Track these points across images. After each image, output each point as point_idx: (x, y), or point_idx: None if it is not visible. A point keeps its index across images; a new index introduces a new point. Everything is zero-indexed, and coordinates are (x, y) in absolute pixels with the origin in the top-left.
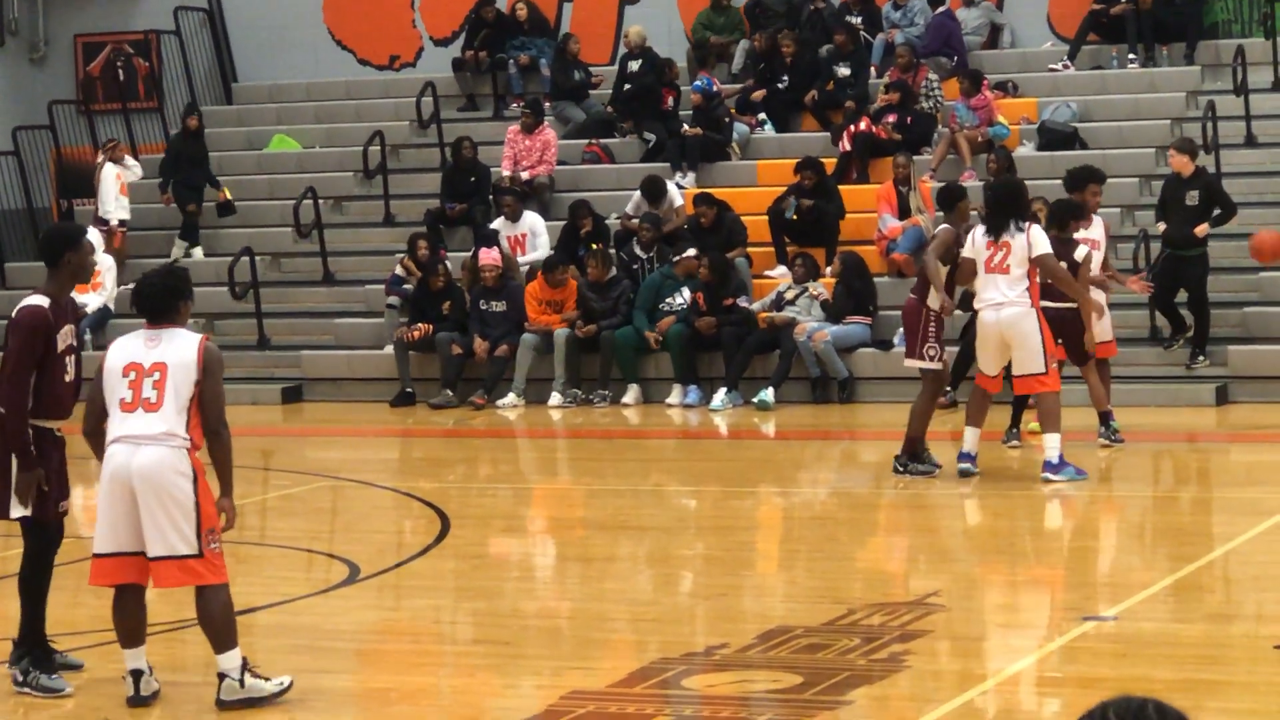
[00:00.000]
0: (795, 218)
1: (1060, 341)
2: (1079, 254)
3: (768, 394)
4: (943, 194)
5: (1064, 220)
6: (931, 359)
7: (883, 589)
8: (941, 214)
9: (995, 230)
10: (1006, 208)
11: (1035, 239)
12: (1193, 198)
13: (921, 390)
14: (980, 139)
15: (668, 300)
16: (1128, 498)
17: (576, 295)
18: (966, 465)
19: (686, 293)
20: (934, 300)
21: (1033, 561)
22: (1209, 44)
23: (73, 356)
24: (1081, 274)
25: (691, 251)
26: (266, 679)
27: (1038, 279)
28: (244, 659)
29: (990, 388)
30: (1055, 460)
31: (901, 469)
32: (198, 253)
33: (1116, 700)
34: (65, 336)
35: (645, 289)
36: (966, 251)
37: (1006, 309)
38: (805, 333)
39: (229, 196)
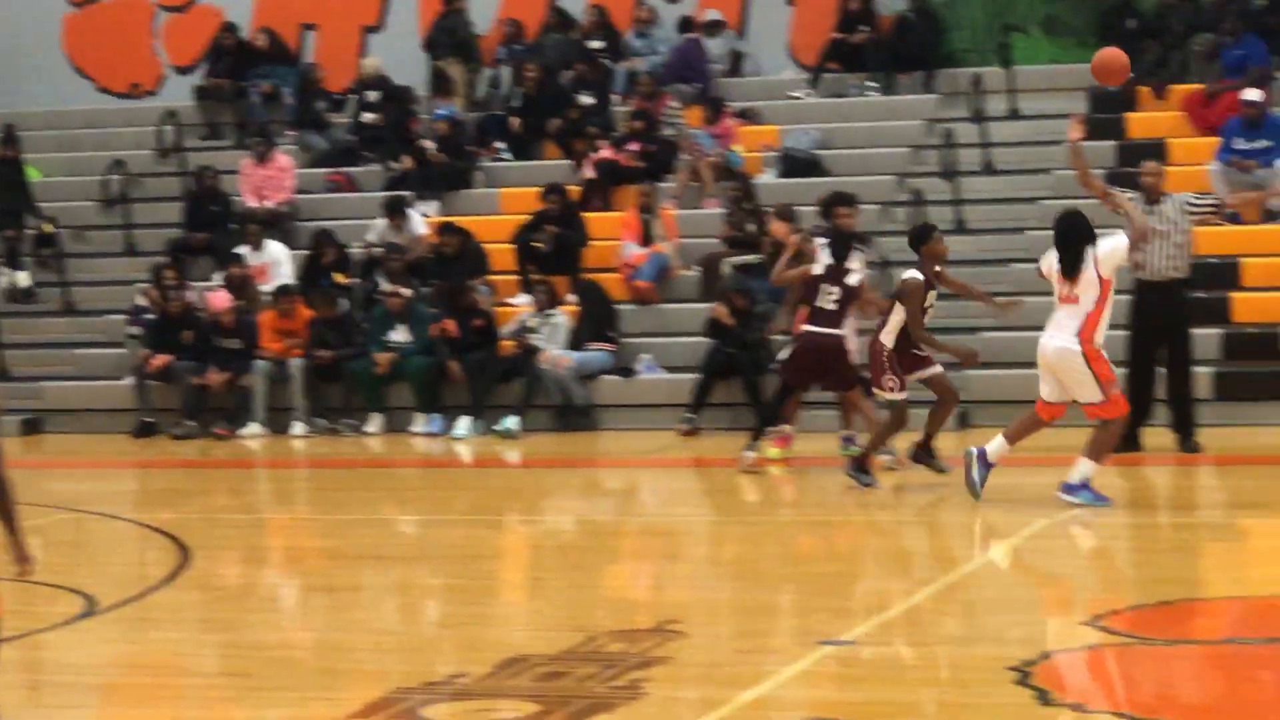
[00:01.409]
0: (544, 247)
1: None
2: (852, 280)
3: (512, 422)
4: (911, 235)
5: (845, 248)
6: (891, 390)
7: (624, 616)
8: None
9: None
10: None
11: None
12: None
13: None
14: (716, 161)
15: (385, 336)
16: (870, 523)
17: (309, 324)
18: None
19: (404, 330)
20: (888, 338)
21: (774, 587)
22: (947, 72)
23: None
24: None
25: (403, 290)
26: None
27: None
28: None
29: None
30: (1077, 482)
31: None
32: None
33: None
34: None
35: (374, 321)
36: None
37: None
38: (548, 360)
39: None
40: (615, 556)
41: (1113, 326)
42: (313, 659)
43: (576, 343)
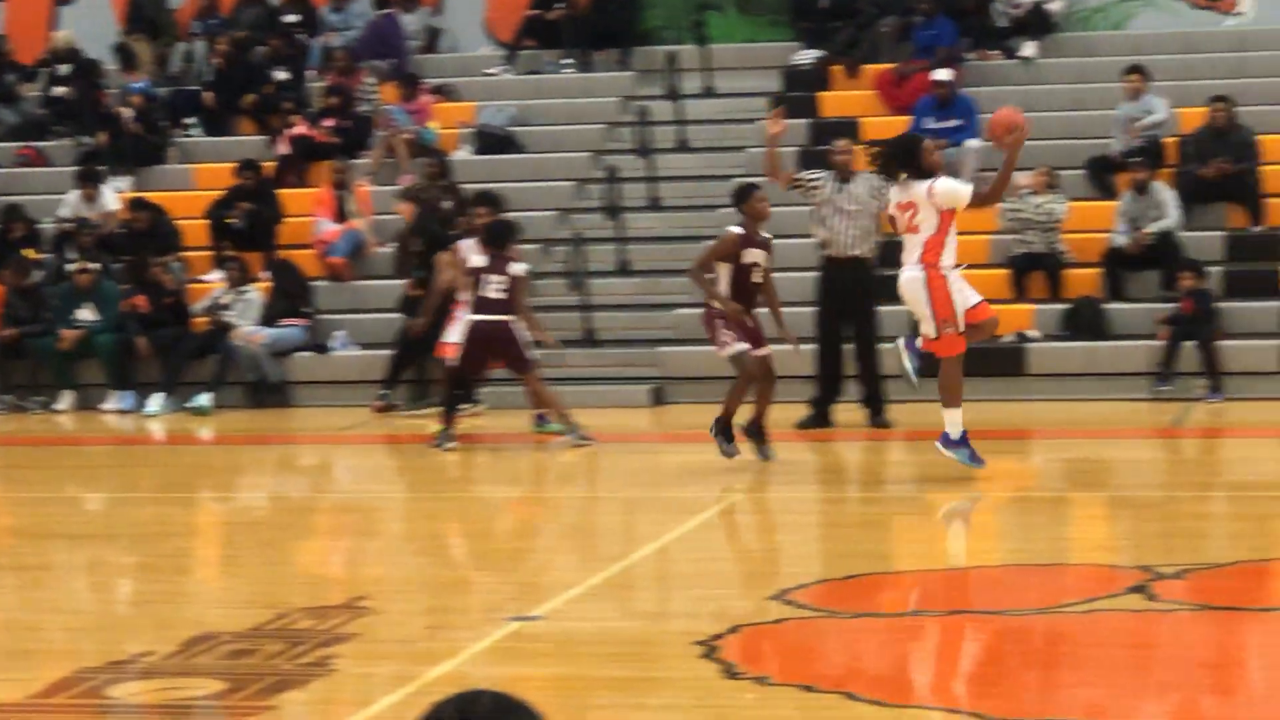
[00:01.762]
0: (237, 223)
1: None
2: (515, 270)
3: (205, 398)
4: (734, 194)
5: (504, 240)
6: (725, 345)
7: (315, 593)
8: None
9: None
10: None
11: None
12: None
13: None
14: (411, 137)
15: (73, 314)
16: (562, 499)
17: (4, 301)
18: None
19: (91, 307)
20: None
21: (463, 563)
22: (643, 50)
23: None
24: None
25: (90, 265)
26: None
27: None
28: None
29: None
30: (955, 437)
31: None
32: None
33: (455, 695)
34: None
35: (61, 298)
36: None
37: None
38: (241, 337)
39: None
40: (308, 533)
41: (801, 303)
42: None
43: (269, 319)
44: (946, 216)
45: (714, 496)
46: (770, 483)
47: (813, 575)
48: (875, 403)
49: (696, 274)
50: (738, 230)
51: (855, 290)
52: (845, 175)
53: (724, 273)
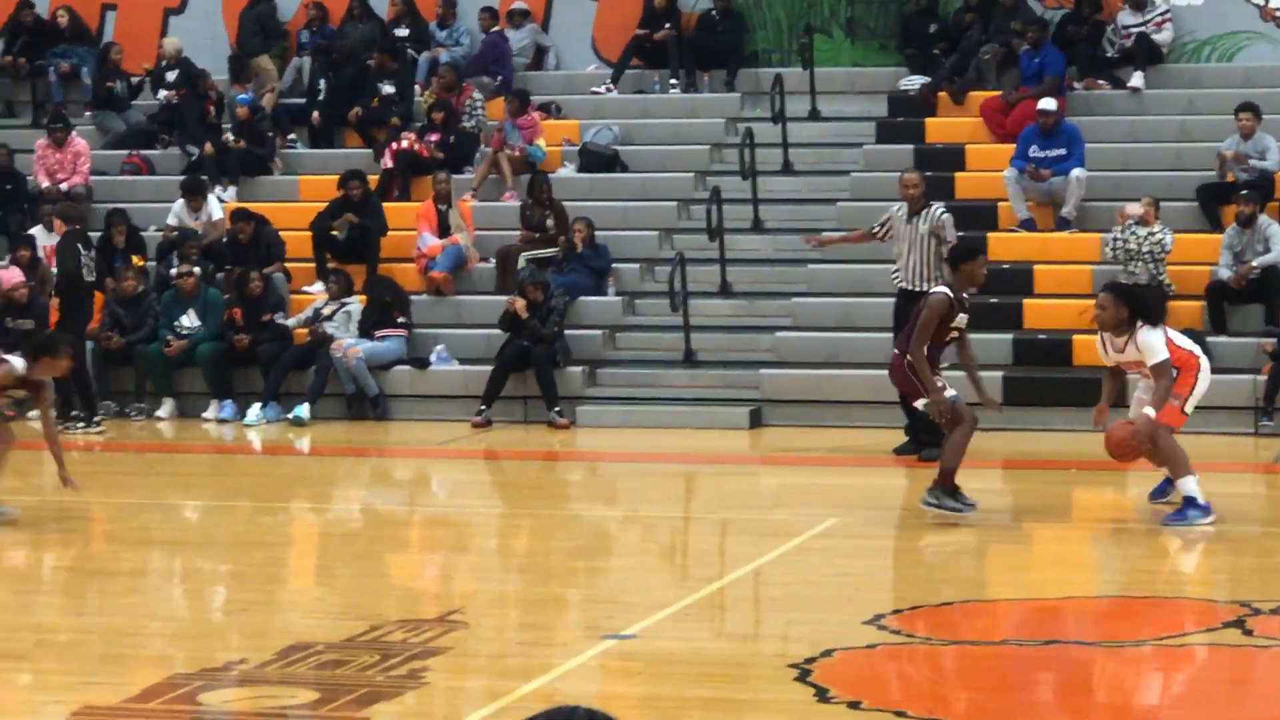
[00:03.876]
0: (339, 235)
1: None
2: None
3: (303, 409)
4: (952, 253)
5: None
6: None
7: (407, 606)
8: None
9: None
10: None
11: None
12: None
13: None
14: (518, 154)
15: (176, 321)
16: (657, 518)
17: (102, 308)
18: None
19: (193, 314)
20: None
21: (557, 580)
22: (749, 72)
23: None
24: None
25: (188, 269)
26: None
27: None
28: None
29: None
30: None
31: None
32: None
33: (549, 711)
34: None
35: (164, 305)
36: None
37: None
38: (340, 349)
39: None
40: (402, 546)
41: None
42: (93, 643)
43: (368, 332)
44: None
45: (809, 520)
46: (866, 507)
47: (907, 601)
48: (928, 435)
49: (918, 359)
50: (946, 293)
51: None
52: (914, 209)
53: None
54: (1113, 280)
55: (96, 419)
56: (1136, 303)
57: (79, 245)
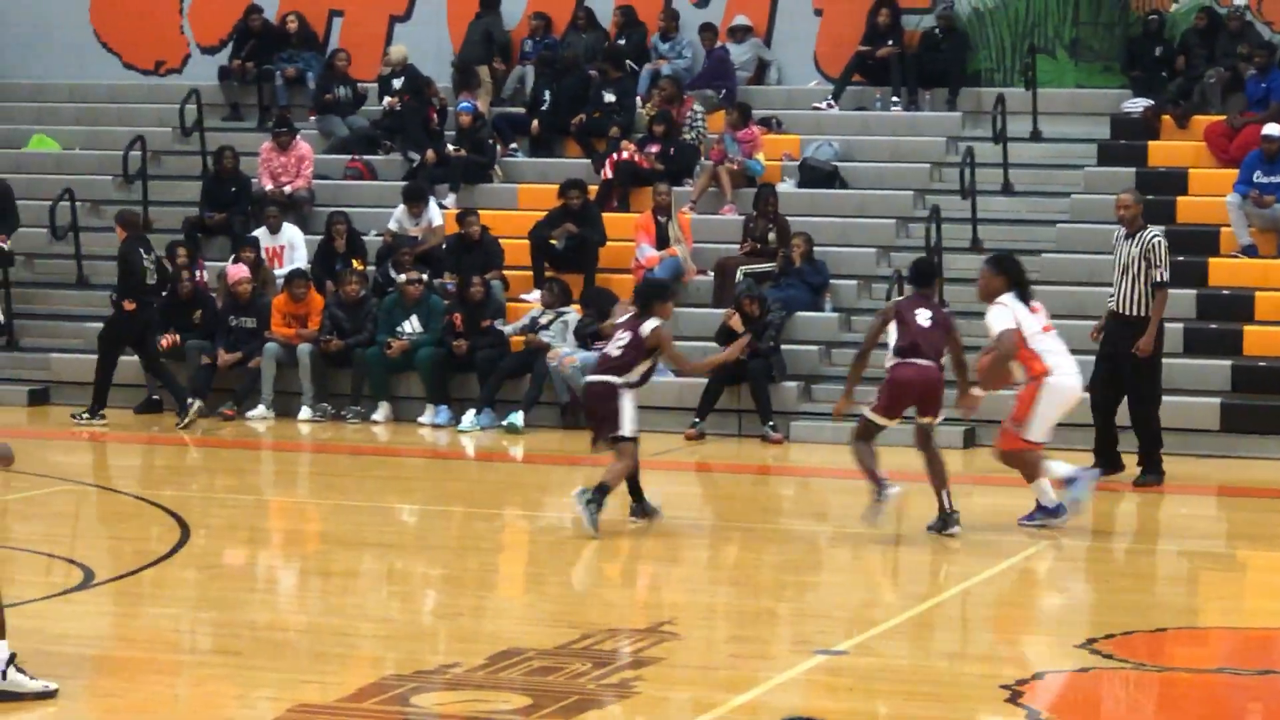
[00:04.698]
0: (557, 244)
1: None
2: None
3: (517, 417)
4: (916, 268)
5: None
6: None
7: (619, 615)
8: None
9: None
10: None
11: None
12: None
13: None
14: (737, 167)
15: (399, 327)
16: (870, 535)
17: (322, 310)
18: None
19: (415, 320)
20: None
21: (768, 594)
22: (971, 91)
23: None
24: None
25: (418, 276)
26: (31, 677)
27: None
28: (11, 653)
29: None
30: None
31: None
32: None
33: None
34: None
35: (383, 311)
36: (1008, 323)
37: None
38: (556, 358)
39: (6, 246)
40: (613, 556)
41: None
42: (305, 641)
43: (584, 341)
44: None
45: (1023, 541)
46: (1079, 531)
47: (1119, 626)
48: (1147, 461)
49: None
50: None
51: (1128, 348)
52: (1128, 230)
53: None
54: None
55: (102, 412)
56: None
57: (140, 250)
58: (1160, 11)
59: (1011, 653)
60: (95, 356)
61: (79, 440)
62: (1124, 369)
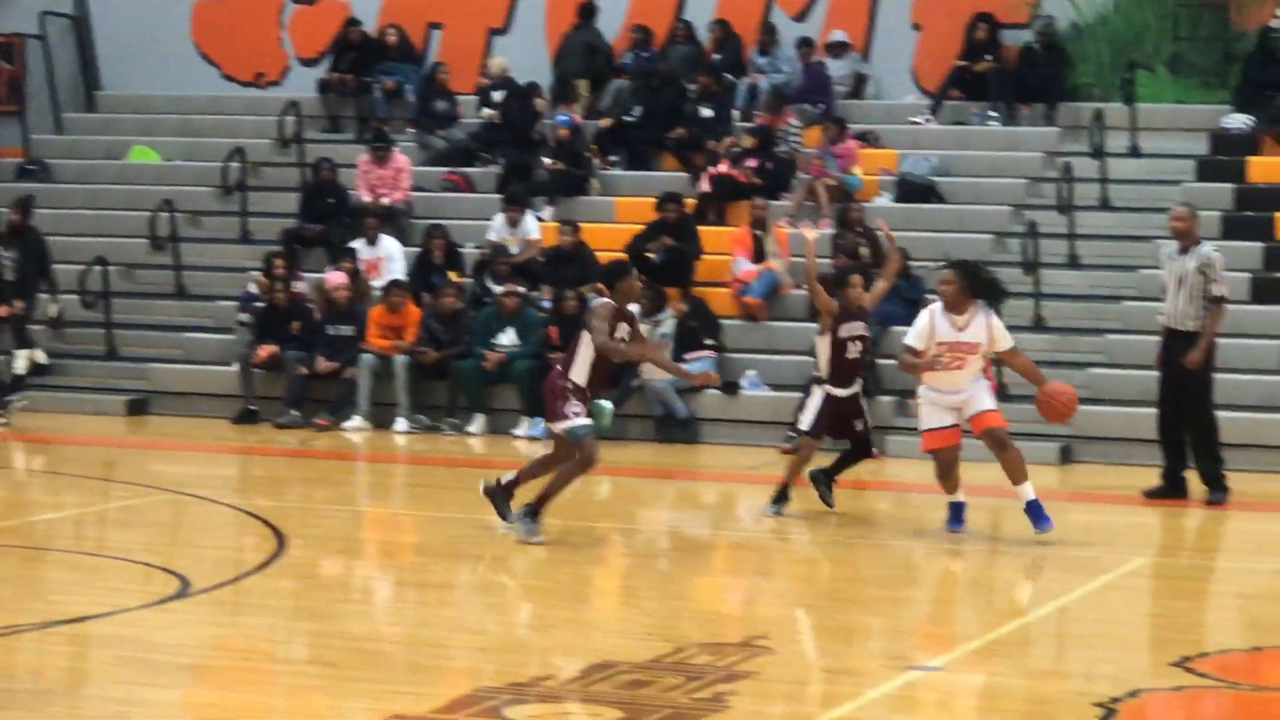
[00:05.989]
0: (654, 257)
1: None
2: None
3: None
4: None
5: None
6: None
7: (711, 629)
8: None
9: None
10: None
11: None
12: None
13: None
14: (834, 182)
15: (495, 339)
16: (964, 551)
17: (418, 321)
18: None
19: (512, 333)
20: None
21: (863, 608)
22: (1070, 106)
23: None
24: None
25: (516, 288)
26: None
27: None
28: None
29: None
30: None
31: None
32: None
33: None
34: None
35: (479, 323)
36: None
37: None
38: (650, 371)
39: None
40: (706, 569)
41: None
42: (400, 652)
43: (678, 354)
44: None
45: (1117, 558)
46: (1175, 548)
47: (1215, 644)
48: (1207, 479)
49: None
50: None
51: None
52: (1182, 245)
53: (823, 346)
54: None
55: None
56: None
57: None
58: (1273, 29)
59: (1106, 670)
60: (196, 367)
61: (177, 450)
62: (1185, 385)
